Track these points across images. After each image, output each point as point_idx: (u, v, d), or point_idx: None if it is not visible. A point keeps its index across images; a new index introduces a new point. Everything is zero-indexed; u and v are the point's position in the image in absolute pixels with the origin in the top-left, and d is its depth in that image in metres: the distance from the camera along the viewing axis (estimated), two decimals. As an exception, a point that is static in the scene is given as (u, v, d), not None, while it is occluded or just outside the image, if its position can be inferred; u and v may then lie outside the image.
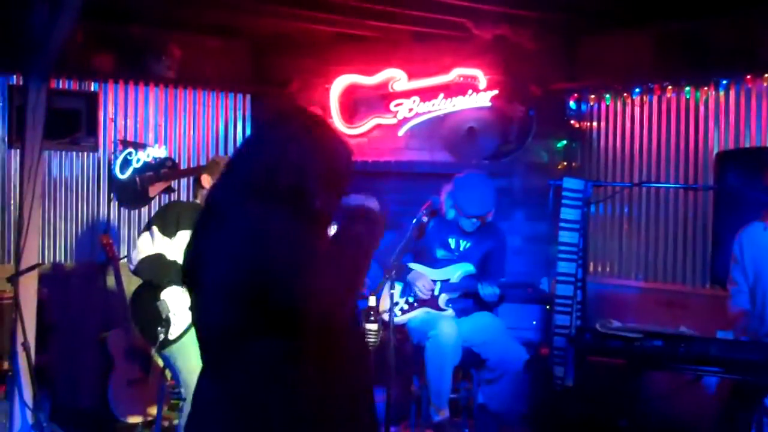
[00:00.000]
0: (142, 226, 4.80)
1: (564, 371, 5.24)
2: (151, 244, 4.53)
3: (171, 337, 4.42)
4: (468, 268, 5.16)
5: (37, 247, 5.05)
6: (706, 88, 5.80)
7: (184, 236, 4.55)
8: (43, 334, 5.25)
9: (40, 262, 5.10)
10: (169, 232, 4.53)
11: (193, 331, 4.55)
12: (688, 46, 5.74)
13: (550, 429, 5.40)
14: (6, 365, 5.09)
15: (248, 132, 6.95)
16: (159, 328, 4.42)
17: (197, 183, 4.69)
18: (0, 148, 5.97)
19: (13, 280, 4.79)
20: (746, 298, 4.52)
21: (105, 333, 5.32)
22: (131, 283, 4.81)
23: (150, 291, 4.52)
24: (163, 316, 4.44)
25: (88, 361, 5.82)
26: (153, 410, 5.03)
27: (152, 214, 5.24)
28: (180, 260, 4.49)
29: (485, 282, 5.03)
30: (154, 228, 4.54)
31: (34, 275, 4.97)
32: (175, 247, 4.53)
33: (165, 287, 4.48)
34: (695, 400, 4.67)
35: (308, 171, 2.24)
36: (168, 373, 4.69)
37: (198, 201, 4.72)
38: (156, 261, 4.49)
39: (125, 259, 4.79)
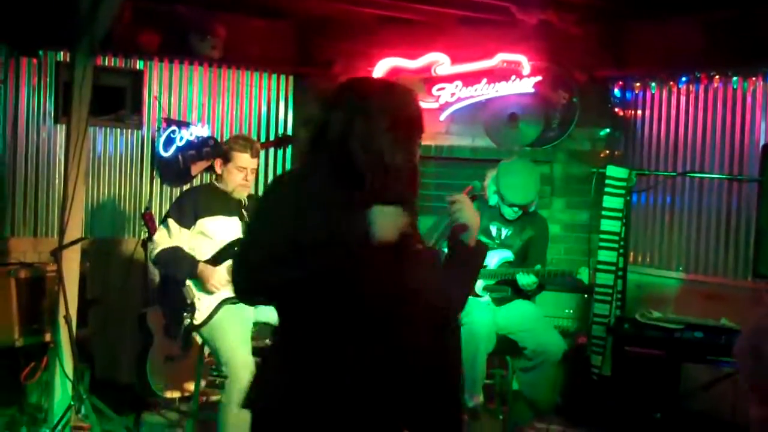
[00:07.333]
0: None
1: (601, 361, 5.21)
2: (168, 237, 4.58)
3: (196, 322, 4.48)
4: (506, 255, 5.13)
5: (80, 221, 5.12)
6: (754, 79, 5.69)
7: (204, 224, 4.60)
8: (84, 308, 5.33)
9: (83, 236, 5.17)
10: (186, 223, 4.58)
11: (225, 309, 4.62)
12: (737, 35, 5.63)
13: (585, 418, 5.38)
14: (48, 337, 5.18)
15: (290, 113, 6.98)
16: (184, 313, 4.47)
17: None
18: (47, 123, 6.06)
19: (57, 253, 4.86)
20: None
21: (145, 308, 5.37)
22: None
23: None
24: (188, 301, 4.49)
25: (127, 335, 5.90)
26: (191, 386, 5.08)
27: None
28: (201, 248, 4.56)
29: (524, 270, 4.99)
30: (171, 221, 4.59)
31: (76, 249, 5.05)
32: (195, 236, 4.58)
33: (182, 281, 4.54)
34: (733, 393, 4.62)
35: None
36: (207, 350, 4.74)
37: (215, 183, 4.78)
38: (172, 254, 4.54)
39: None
